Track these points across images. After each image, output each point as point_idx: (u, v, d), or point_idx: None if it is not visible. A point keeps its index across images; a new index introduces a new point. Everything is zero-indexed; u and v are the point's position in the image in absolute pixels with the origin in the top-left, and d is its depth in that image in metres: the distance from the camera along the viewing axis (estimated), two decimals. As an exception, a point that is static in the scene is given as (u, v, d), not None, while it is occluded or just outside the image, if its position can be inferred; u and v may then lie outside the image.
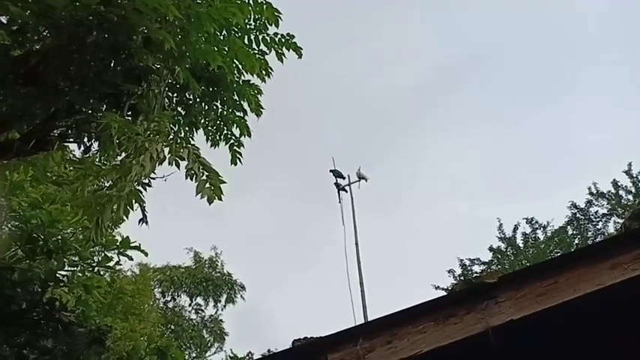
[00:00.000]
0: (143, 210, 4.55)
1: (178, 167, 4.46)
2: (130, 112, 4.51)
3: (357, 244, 13.34)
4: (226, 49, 5.62)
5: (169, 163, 4.43)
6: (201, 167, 4.27)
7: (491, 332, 2.86)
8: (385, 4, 30.03)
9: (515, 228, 23.69)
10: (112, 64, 4.65)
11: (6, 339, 6.10)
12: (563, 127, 34.65)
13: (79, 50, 4.74)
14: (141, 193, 4.44)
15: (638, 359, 3.10)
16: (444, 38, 37.07)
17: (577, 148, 33.74)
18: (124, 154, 4.24)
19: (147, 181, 4.25)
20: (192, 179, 4.27)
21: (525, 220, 23.67)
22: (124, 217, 4.57)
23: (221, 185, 4.23)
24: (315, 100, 32.79)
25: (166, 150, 4.40)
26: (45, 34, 4.61)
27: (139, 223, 4.64)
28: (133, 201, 4.10)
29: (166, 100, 5.48)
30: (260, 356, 22.68)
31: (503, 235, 23.70)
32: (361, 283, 12.38)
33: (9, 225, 7.38)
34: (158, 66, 4.69)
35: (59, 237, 7.22)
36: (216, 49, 5.69)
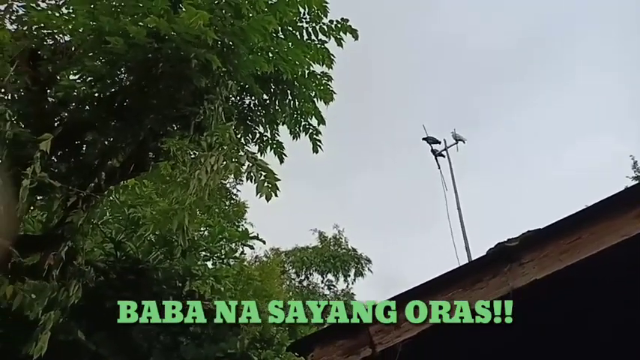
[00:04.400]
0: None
1: (240, 173, 5.03)
2: (195, 131, 5.16)
3: (459, 208, 13.10)
4: (277, 51, 6.06)
5: (231, 172, 5.00)
6: (258, 169, 4.79)
7: (512, 294, 2.96)
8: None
9: (655, 164, 21.19)
10: (177, 90, 5.33)
11: (163, 329, 7.14)
12: None
13: (151, 83, 5.49)
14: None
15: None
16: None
17: None
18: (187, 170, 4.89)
19: (208, 191, 4.85)
20: (251, 181, 4.81)
21: (666, 155, 21.05)
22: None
23: (276, 181, 4.72)
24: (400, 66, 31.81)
25: (225, 160, 4.94)
26: (121, 76, 5.41)
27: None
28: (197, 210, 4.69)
29: (234, 108, 6.08)
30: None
31: (639, 174, 21.35)
32: (467, 248, 12.21)
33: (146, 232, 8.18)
34: (214, 84, 5.27)
35: (189, 237, 8.23)
36: (270, 55, 6.18)
